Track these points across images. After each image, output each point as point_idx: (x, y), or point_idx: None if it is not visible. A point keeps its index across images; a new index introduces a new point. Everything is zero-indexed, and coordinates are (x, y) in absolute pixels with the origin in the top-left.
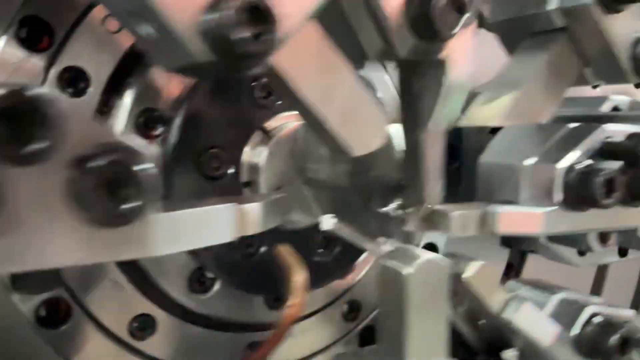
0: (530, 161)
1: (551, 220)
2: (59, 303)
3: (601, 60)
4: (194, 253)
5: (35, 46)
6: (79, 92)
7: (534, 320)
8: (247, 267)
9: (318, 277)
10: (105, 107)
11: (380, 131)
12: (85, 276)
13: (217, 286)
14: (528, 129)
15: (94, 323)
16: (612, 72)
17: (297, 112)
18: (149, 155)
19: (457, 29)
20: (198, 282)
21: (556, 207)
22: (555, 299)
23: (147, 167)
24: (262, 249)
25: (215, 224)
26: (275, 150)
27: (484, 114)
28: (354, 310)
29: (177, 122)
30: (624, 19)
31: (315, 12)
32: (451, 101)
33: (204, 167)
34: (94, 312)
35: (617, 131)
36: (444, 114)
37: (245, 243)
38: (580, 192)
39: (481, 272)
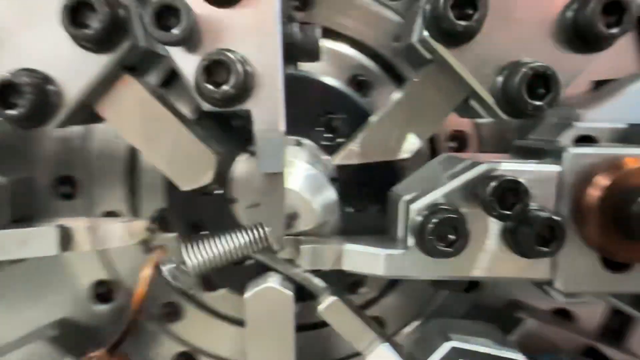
0: (408, 196)
1: (394, 263)
2: None
3: (471, 95)
4: None
5: None
6: None
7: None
8: None
9: None
10: None
11: (207, 170)
12: None
13: None
14: (449, 160)
15: None
16: (484, 107)
17: None
18: None
19: None
20: None
21: (402, 251)
22: None
23: None
24: None
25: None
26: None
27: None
28: None
29: None
30: (471, 52)
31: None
32: (263, 147)
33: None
34: None
35: (510, 170)
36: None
37: None
38: (420, 235)
39: (332, 306)
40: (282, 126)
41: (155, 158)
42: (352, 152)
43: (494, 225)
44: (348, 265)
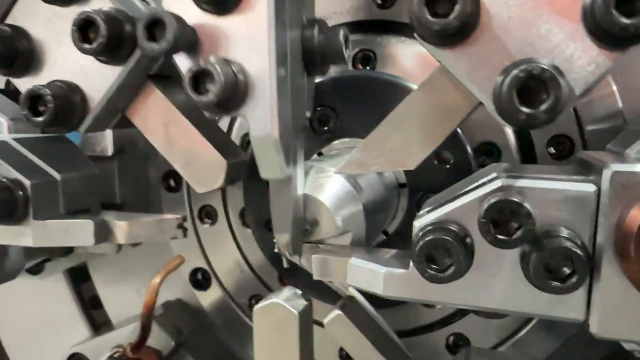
0: (423, 210)
1: (393, 283)
2: None
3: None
4: None
5: None
6: None
7: None
8: None
9: None
10: None
11: (219, 174)
12: None
13: None
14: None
15: None
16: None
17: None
18: None
19: None
20: None
21: (402, 270)
22: None
23: None
24: None
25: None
26: None
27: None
28: None
29: None
30: (468, 52)
31: None
32: (261, 153)
33: None
34: None
35: (531, 188)
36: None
37: None
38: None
39: (336, 320)
40: (275, 132)
41: (174, 161)
42: (352, 163)
43: (511, 252)
44: (351, 280)
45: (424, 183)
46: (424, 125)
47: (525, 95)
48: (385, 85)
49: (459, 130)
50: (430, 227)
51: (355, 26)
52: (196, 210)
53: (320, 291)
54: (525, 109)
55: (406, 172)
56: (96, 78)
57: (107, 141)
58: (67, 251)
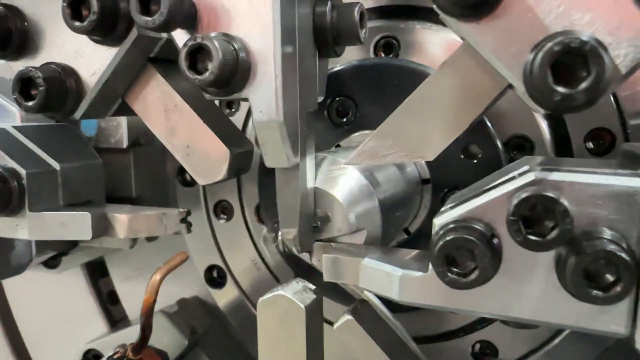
0: (446, 206)
1: (409, 287)
2: None
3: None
4: None
5: None
6: None
7: None
8: None
9: None
10: None
11: (223, 164)
12: None
13: None
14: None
15: None
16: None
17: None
18: None
19: None
20: None
21: (420, 273)
22: None
23: None
24: None
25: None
26: None
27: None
28: None
29: None
30: (496, 25)
31: None
32: (265, 139)
33: None
34: None
35: (569, 182)
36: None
37: None
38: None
39: (345, 325)
40: (280, 115)
41: (175, 151)
42: (363, 152)
43: (545, 255)
44: (364, 283)
45: (449, 179)
46: (444, 111)
47: (561, 74)
48: (409, 74)
49: (488, 122)
50: (452, 225)
51: (377, 11)
52: (212, 205)
53: (339, 293)
54: (561, 89)
55: (430, 168)
56: (91, 60)
57: (121, 133)
58: (72, 245)
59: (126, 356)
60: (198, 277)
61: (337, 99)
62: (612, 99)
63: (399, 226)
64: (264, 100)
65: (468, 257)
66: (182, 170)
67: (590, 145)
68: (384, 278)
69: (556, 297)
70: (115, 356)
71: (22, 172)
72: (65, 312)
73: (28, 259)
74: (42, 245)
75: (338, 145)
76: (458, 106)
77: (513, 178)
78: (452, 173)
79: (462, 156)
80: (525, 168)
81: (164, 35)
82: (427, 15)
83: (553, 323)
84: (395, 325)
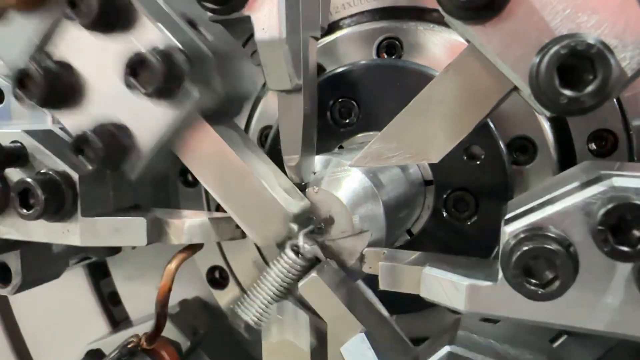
0: (512, 213)
1: (478, 297)
2: None
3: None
4: None
5: None
6: None
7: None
8: None
9: None
10: None
11: (281, 226)
12: None
13: None
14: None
15: None
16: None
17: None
18: None
19: None
20: None
21: (489, 283)
22: None
23: None
24: None
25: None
26: None
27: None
28: None
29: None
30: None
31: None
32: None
33: None
34: None
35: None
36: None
37: None
38: (507, 265)
39: (310, 283)
40: (282, 33)
41: (231, 210)
42: (368, 154)
43: (624, 265)
44: (425, 293)
45: (451, 180)
46: (449, 114)
47: (567, 77)
48: (412, 75)
49: (491, 124)
50: (525, 234)
51: (380, 12)
52: (213, 205)
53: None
54: (567, 92)
55: (432, 169)
56: (144, 117)
57: None
58: (115, 251)
59: (140, 346)
60: (200, 278)
61: (340, 100)
62: (614, 100)
63: (402, 227)
64: (266, 17)
65: (545, 267)
66: (184, 171)
67: (593, 146)
68: (449, 288)
69: (637, 309)
70: (130, 346)
71: (75, 175)
72: (67, 312)
73: (64, 265)
74: (75, 251)
75: (341, 147)
76: (463, 108)
77: (586, 184)
78: (454, 174)
79: (465, 157)
80: (596, 174)
81: None
82: (431, 16)
83: (632, 336)
84: (361, 287)
